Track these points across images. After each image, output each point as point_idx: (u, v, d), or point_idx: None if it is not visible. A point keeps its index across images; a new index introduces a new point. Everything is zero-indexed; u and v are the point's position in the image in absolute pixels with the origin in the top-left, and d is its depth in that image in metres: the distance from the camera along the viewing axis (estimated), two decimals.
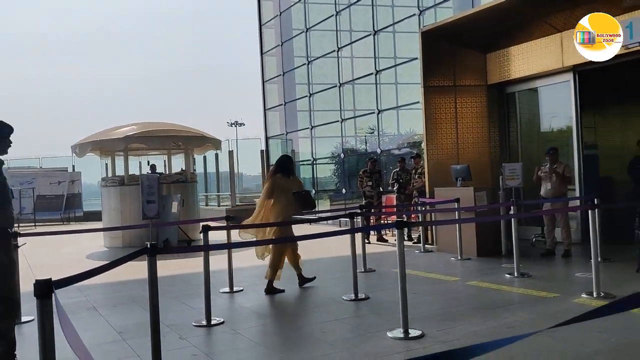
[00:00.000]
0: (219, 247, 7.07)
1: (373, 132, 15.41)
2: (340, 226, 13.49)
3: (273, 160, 19.87)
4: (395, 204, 11.31)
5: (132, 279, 7.59)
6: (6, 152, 4.22)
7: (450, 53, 10.35)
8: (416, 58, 10.66)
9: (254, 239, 6.87)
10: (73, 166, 22.65)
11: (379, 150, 14.83)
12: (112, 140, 12.81)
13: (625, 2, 7.86)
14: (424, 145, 10.30)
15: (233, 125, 51.09)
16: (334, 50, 16.27)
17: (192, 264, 8.59)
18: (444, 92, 10.30)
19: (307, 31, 17.58)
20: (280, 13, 19.32)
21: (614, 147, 10.93)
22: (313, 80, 17.71)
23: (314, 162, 17.75)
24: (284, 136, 19.19)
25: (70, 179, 22.26)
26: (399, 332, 4.63)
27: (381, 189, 11.64)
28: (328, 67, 17.07)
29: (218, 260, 7.28)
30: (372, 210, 11.21)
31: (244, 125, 52.32)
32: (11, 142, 4.24)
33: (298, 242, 6.98)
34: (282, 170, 6.96)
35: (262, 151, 19.81)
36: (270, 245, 6.83)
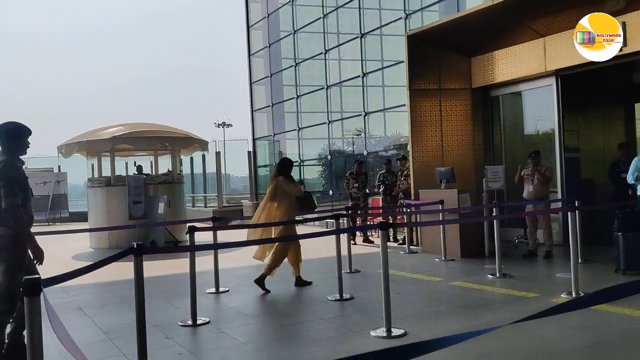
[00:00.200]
0: (205, 247, 7.13)
1: (360, 134, 15.52)
2: (327, 227, 13.57)
3: (260, 161, 19.94)
4: (381, 205, 11.42)
5: (119, 279, 7.62)
6: (25, 153, 4.41)
7: (436, 57, 10.48)
8: (403, 61, 10.78)
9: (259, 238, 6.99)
10: (59, 166, 22.51)
11: (365, 152, 14.94)
12: (99, 140, 12.79)
13: (606, 8, 8.02)
14: (409, 147, 10.42)
15: (220, 126, 51.09)
16: (322, 53, 16.37)
17: (178, 265, 8.62)
18: (429, 95, 10.42)
19: (294, 33, 17.66)
20: (268, 15, 19.38)
21: (595, 150, 11.13)
22: (300, 82, 17.79)
23: (302, 163, 17.83)
24: (272, 137, 19.25)
25: (56, 179, 22.10)
26: (382, 331, 4.72)
27: (367, 191, 11.75)
28: (315, 69, 17.15)
29: (204, 262, 7.34)
30: (358, 211, 11.31)
31: (232, 126, 52.42)
32: (29, 144, 4.42)
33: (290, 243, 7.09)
34: (285, 172, 7.11)
35: (249, 152, 19.86)
36: (273, 246, 6.95)
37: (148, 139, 13.10)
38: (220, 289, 6.98)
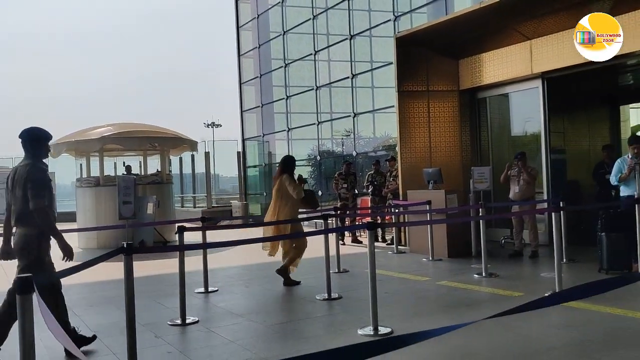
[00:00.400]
0: (194, 247, 7.16)
1: (349, 135, 15.60)
2: (315, 227, 13.62)
3: (249, 162, 19.96)
4: (370, 205, 11.50)
5: (108, 279, 7.63)
6: (47, 157, 4.66)
7: (424, 59, 10.58)
8: (392, 62, 10.87)
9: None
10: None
11: (354, 153, 15.02)
12: (88, 140, 12.76)
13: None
14: (398, 148, 10.50)
15: (210, 127, 50.89)
16: (311, 54, 16.42)
17: (167, 265, 8.63)
18: (418, 96, 10.52)
19: (284, 34, 17.70)
20: (258, 16, 19.40)
21: (581, 151, 11.27)
22: (290, 82, 17.83)
23: None
24: (261, 138, 19.27)
25: None
26: (369, 330, 4.79)
27: (356, 191, 11.82)
28: (305, 70, 17.21)
29: (193, 262, 7.37)
30: (347, 212, 11.39)
31: (221, 126, 52.13)
32: (50, 148, 4.67)
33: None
34: (288, 170, 7.27)
35: (238, 153, 19.87)
36: (282, 243, 7.20)
37: (137, 139, 13.08)
38: (209, 289, 7.02)
